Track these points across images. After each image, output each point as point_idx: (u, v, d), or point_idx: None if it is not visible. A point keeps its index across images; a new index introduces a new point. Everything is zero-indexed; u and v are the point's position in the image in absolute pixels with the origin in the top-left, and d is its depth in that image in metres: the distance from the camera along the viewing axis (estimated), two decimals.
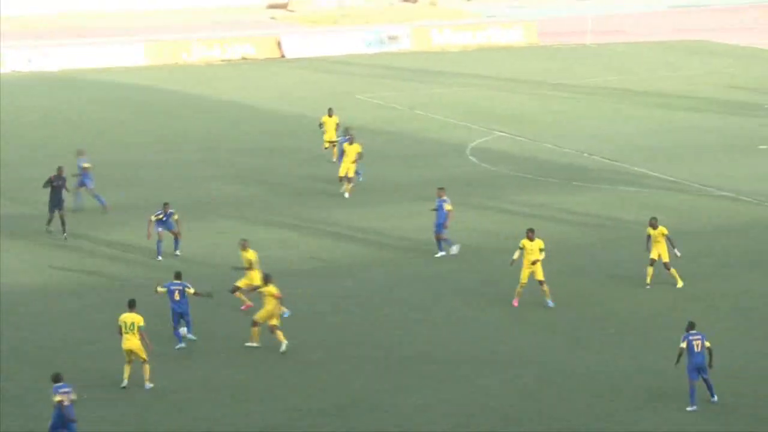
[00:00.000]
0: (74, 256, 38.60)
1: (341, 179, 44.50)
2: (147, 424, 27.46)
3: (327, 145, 49.10)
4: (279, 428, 27.24)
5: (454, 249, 38.35)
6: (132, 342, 29.19)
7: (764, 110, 59.49)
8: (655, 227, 34.80)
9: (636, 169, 48.49)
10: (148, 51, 76.34)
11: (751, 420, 27.24)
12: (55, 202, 39.99)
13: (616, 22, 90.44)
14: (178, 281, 31.72)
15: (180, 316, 31.50)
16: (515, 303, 33.85)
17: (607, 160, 49.90)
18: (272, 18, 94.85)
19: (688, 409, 27.59)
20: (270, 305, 31.28)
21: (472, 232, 40.37)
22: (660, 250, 34.67)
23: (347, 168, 44.39)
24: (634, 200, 44.15)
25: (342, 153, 45.09)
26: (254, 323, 31.43)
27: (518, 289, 33.86)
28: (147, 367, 29.22)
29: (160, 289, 31.76)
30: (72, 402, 26.21)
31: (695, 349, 27.74)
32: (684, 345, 27.80)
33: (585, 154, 51.14)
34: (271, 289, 31.24)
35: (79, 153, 43.98)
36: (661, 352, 30.11)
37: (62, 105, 63.21)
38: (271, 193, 45.62)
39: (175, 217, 38.07)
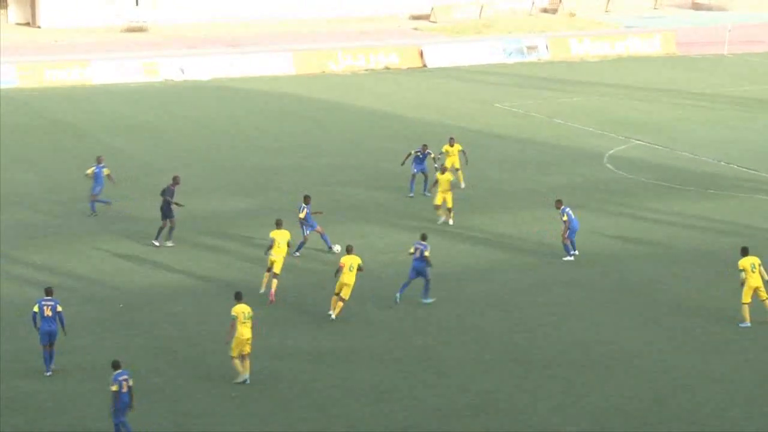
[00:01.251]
0: (222, 257, 39.03)
1: (438, 207, 41.88)
2: (291, 421, 27.65)
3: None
4: (416, 428, 27.27)
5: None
6: (247, 332, 29.33)
7: None
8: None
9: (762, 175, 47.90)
10: (296, 60, 77.00)
11: None
12: (166, 212, 40.26)
13: (753, 32, 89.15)
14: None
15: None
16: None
17: (744, 169, 49.22)
18: (415, 29, 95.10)
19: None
20: (345, 278, 32.86)
21: (608, 238, 40.09)
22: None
23: (443, 197, 41.52)
24: (764, 208, 43.47)
25: (435, 181, 42.81)
26: (336, 294, 33.11)
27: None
28: (248, 361, 29.47)
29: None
30: (129, 388, 26.51)
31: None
32: None
33: (722, 163, 50.49)
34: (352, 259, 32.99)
35: (98, 161, 43.89)
36: None
37: (212, 113, 63.94)
38: (409, 198, 45.52)
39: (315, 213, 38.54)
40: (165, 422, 27.64)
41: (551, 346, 31.54)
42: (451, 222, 41.59)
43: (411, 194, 45.40)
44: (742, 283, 32.47)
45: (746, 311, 32.49)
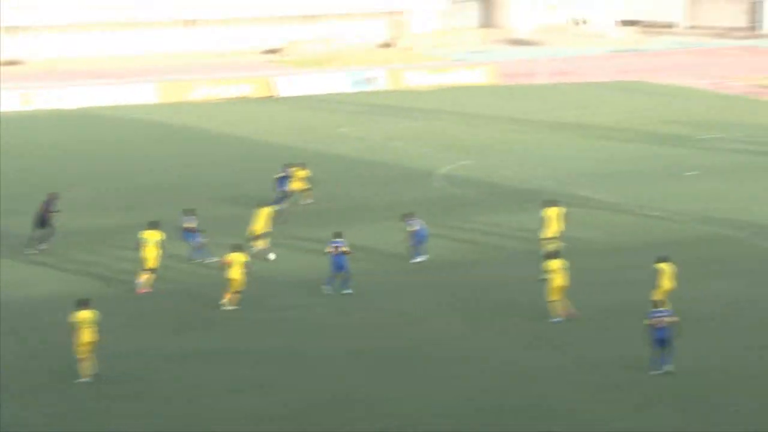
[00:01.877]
0: (94, 268, 39.09)
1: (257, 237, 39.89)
2: (150, 418, 27.93)
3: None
4: (272, 420, 27.85)
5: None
6: (88, 336, 29.25)
7: (693, 141, 60.30)
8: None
9: (582, 192, 49.22)
10: (159, 90, 76.92)
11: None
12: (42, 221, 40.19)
13: (564, 65, 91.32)
14: None
15: None
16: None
17: (558, 185, 50.54)
18: (268, 62, 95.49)
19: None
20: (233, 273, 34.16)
21: (441, 248, 41.11)
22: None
23: (261, 227, 39.64)
24: (580, 220, 44.87)
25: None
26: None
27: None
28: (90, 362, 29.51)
29: None
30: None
31: (659, 325, 29.24)
32: (649, 321, 29.37)
33: (539, 180, 51.82)
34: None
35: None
36: (627, 343, 30.84)
37: (83, 139, 63.68)
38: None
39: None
40: (35, 421, 27.84)
41: (404, 342, 32.35)
42: (271, 255, 39.91)
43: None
44: (547, 282, 33.62)
45: (555, 308, 33.66)
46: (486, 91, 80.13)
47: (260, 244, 39.57)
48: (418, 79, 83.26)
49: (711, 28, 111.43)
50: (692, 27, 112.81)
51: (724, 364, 30.63)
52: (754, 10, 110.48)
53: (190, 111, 72.36)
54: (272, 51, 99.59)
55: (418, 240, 39.22)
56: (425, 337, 32.73)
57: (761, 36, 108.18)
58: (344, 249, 35.96)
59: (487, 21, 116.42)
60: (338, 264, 35.87)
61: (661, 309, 29.94)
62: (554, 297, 33.61)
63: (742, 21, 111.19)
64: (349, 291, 35.89)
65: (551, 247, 36.95)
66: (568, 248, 38.89)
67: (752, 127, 64.00)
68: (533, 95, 77.65)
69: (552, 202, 40.37)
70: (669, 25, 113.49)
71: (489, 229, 43.57)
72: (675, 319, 29.59)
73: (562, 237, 39.26)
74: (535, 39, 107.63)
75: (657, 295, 32.28)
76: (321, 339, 32.61)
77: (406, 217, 39.54)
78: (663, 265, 33.76)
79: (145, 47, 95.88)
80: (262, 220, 39.50)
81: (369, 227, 43.63)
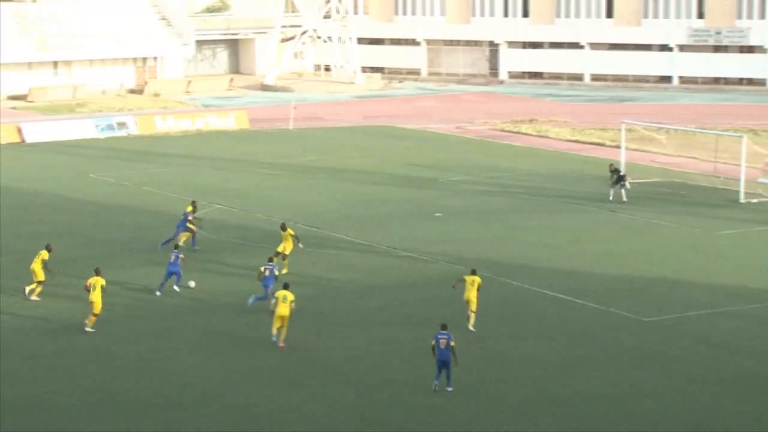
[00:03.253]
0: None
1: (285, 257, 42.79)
2: None
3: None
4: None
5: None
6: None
7: (439, 184, 61.31)
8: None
9: (335, 234, 49.34)
10: None
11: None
12: None
13: (312, 110, 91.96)
14: None
15: None
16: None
17: (310, 227, 50.57)
18: (13, 108, 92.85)
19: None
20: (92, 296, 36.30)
21: (194, 291, 40.42)
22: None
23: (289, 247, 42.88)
24: (334, 261, 44.91)
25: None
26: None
27: None
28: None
29: None
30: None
31: (441, 346, 30.57)
32: (433, 342, 30.83)
33: (291, 223, 51.66)
34: None
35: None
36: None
37: None
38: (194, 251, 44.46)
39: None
40: None
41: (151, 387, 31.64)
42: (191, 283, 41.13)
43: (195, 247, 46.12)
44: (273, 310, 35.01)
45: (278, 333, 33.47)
46: (236, 136, 79.90)
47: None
48: (168, 124, 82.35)
49: (453, 75, 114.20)
50: (435, 73, 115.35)
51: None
52: (493, 58, 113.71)
53: None
54: (16, 97, 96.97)
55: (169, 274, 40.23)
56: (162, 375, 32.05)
57: (499, 82, 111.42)
58: (276, 272, 38.77)
59: (236, 67, 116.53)
60: (267, 284, 38.22)
61: (444, 332, 31.04)
62: (276, 324, 34.76)
63: (481, 68, 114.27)
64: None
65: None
66: (325, 289, 38.83)
67: (493, 169, 65.55)
68: (283, 140, 77.76)
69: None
70: (413, 72, 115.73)
71: (242, 272, 43.06)
72: (453, 343, 30.85)
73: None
74: (283, 85, 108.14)
75: (468, 306, 36.15)
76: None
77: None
78: (470, 278, 36.45)
79: None
80: (289, 240, 42.74)
81: (128, 271, 42.70)
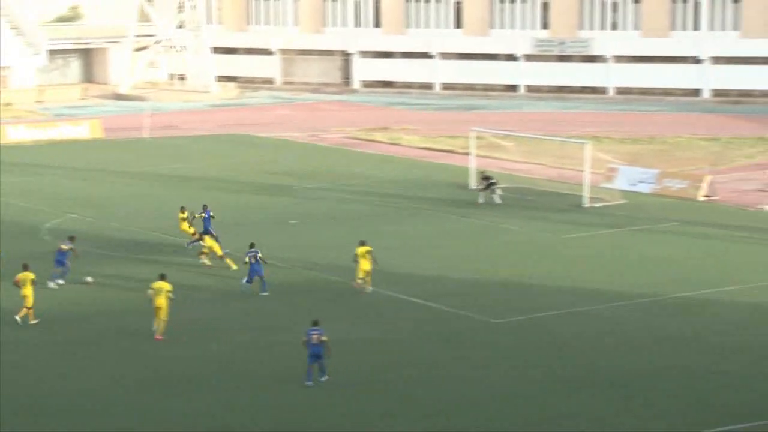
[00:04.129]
0: None
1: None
2: None
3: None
4: None
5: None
6: None
7: (294, 191, 61.60)
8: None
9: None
10: None
11: None
12: None
13: (168, 118, 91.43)
14: None
15: None
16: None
17: (166, 235, 50.40)
18: None
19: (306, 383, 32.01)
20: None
21: (54, 300, 40.11)
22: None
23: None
24: (192, 269, 44.87)
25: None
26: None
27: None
28: None
29: None
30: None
31: (313, 341, 32.07)
32: (305, 338, 32.27)
33: (147, 231, 51.50)
34: None
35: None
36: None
37: None
38: None
39: None
40: None
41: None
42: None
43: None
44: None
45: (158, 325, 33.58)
46: (90, 145, 79.06)
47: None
48: (21, 134, 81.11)
49: (307, 84, 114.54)
50: (289, 83, 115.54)
51: None
52: (346, 67, 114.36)
53: None
54: None
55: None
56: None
57: (352, 91, 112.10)
58: (260, 256, 41.53)
59: (89, 77, 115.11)
60: (255, 270, 41.38)
61: (315, 327, 32.33)
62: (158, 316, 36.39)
63: (335, 77, 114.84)
64: (266, 293, 41.05)
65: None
66: (187, 297, 38.93)
67: (347, 176, 66.08)
68: (138, 149, 77.20)
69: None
70: (267, 81, 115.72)
71: (103, 281, 42.80)
72: (326, 338, 32.22)
73: None
74: (137, 94, 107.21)
75: (359, 273, 41.13)
76: None
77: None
78: (362, 249, 40.68)
79: None
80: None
81: None
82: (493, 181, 58.56)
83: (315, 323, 32.52)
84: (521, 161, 69.95)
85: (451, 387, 32.27)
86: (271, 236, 50.62)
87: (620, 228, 52.94)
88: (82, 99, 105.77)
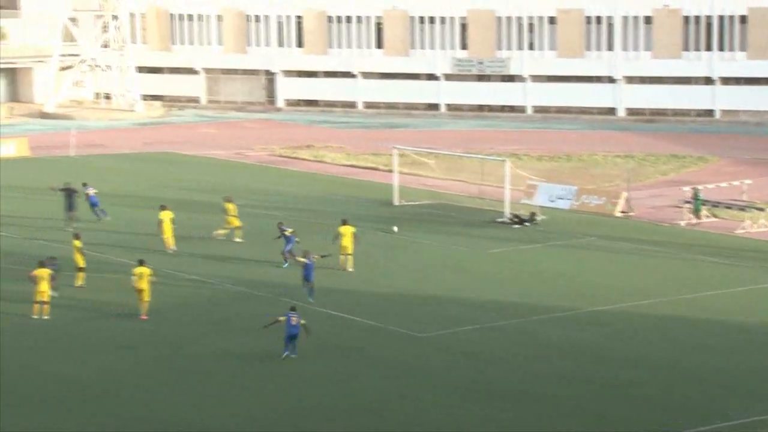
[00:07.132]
0: None
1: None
2: None
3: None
4: None
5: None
6: None
7: (218, 208, 60.99)
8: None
9: (117, 259, 48.79)
10: None
11: None
12: None
13: (93, 137, 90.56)
14: None
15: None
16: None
17: (91, 252, 49.64)
18: None
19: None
20: None
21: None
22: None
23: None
24: (120, 285, 44.33)
25: None
26: None
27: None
28: None
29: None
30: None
31: (291, 323, 34.68)
32: (283, 318, 34.81)
33: (70, 249, 50.71)
34: None
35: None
36: None
37: None
38: None
39: None
40: None
41: None
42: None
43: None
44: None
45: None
46: (19, 163, 77.96)
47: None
48: None
49: (232, 102, 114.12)
50: (214, 101, 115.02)
51: None
52: (270, 86, 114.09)
53: None
54: None
55: None
56: None
57: (277, 110, 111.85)
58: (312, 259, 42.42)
59: (14, 95, 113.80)
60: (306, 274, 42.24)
61: (294, 311, 34.99)
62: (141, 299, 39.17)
63: (259, 96, 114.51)
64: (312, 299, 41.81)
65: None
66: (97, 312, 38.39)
67: (272, 193, 65.82)
68: (65, 167, 76.24)
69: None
70: (192, 100, 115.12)
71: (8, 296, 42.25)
72: (303, 321, 34.99)
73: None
74: (63, 113, 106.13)
75: (341, 251, 45.37)
76: None
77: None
78: (344, 228, 44.28)
79: None
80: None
81: None
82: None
83: (293, 308, 35.37)
84: (443, 178, 70.14)
85: (365, 396, 32.08)
86: (195, 251, 50.17)
87: (540, 243, 53.14)
88: (8, 118, 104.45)
